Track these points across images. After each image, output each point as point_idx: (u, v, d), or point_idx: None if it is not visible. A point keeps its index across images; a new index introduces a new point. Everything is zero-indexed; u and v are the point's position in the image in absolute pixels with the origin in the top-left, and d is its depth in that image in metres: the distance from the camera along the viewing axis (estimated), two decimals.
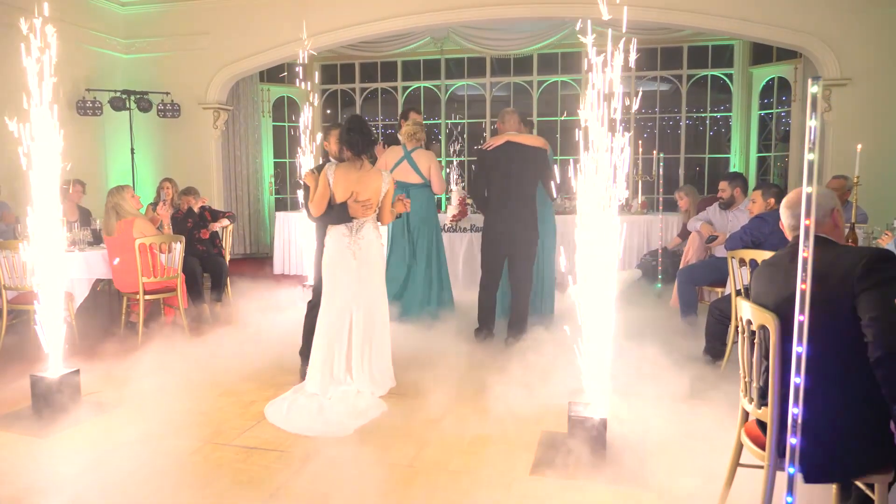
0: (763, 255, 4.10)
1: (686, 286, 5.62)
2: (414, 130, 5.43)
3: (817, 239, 2.40)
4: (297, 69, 7.13)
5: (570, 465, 2.99)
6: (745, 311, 2.32)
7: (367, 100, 10.77)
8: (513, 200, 4.90)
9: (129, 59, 9.03)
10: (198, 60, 8.79)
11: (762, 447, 2.25)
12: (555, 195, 5.17)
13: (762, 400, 2.24)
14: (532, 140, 5.02)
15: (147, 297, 5.37)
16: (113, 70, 8.82)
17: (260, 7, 8.44)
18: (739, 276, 4.27)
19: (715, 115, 9.56)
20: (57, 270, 3.80)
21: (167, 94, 8.58)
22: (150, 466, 3.09)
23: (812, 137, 1.77)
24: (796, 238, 2.43)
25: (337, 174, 3.99)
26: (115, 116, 8.49)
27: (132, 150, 8.49)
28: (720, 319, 4.45)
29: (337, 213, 3.98)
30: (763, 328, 2.20)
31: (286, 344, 5.00)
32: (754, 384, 2.29)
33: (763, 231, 4.21)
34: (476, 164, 5.19)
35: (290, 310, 6.23)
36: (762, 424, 2.31)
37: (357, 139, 3.93)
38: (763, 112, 9.16)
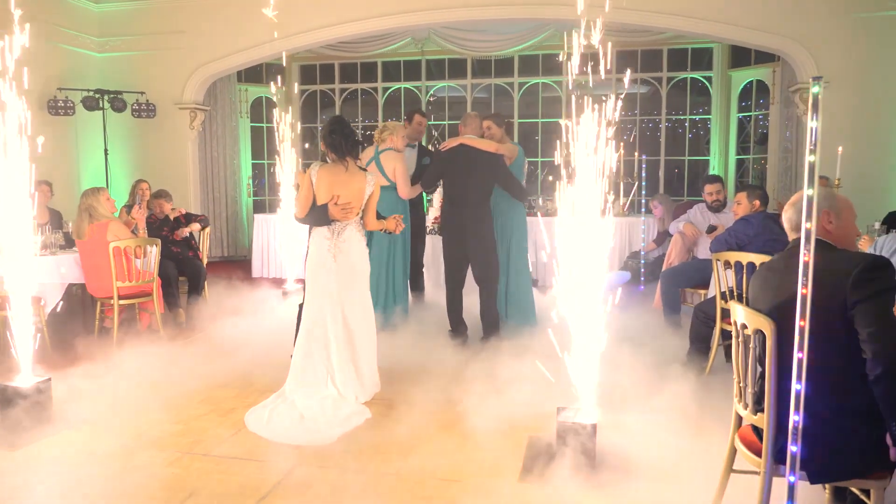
0: (748, 258, 4.10)
1: (669, 288, 5.61)
2: (381, 129, 5.36)
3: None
4: (275, 71, 6.97)
5: (558, 472, 2.93)
6: (739, 315, 2.28)
7: (346, 100, 10.67)
8: (465, 202, 5.00)
9: (103, 58, 8.83)
10: (174, 60, 8.62)
11: (757, 453, 2.22)
12: (521, 199, 5.26)
13: (758, 405, 2.20)
14: (486, 145, 5.02)
15: (121, 301, 5.22)
16: (86, 69, 8.61)
17: (237, 6, 8.30)
18: (724, 279, 4.26)
19: (694, 117, 9.61)
20: (26, 275, 3.66)
21: (142, 93, 8.40)
22: (125, 480, 2.97)
23: (813, 139, 1.74)
24: (795, 240, 2.39)
25: (320, 175, 3.91)
26: (88, 116, 8.28)
27: (105, 150, 8.30)
28: (705, 322, 4.43)
29: (318, 214, 3.91)
30: (758, 332, 2.16)
31: (266, 348, 4.90)
32: (749, 389, 2.25)
33: (748, 233, 4.21)
34: (432, 162, 5.33)
35: (269, 313, 6.13)
36: (757, 430, 2.27)
37: (339, 140, 3.85)
38: (741, 115, 9.23)
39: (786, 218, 2.40)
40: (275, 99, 7.01)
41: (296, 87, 10.34)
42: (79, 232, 5.27)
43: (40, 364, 4.43)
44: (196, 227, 6.49)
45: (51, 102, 7.78)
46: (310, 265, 3.96)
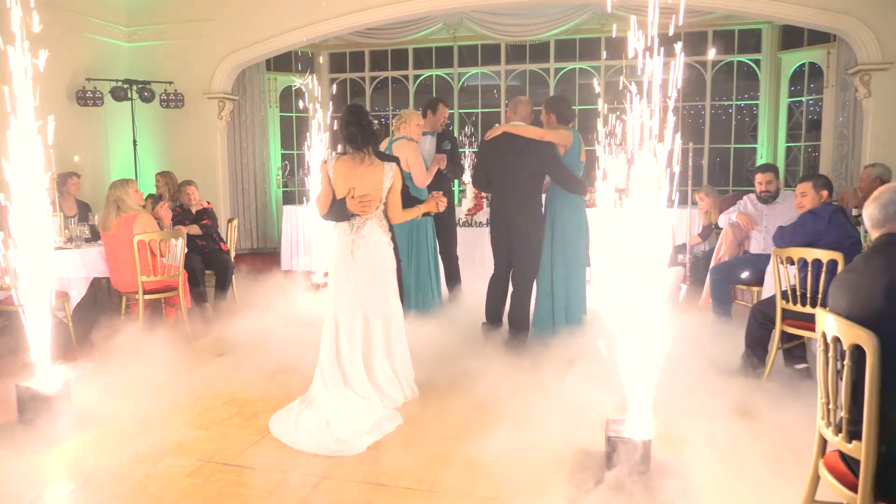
0: (813, 254, 3.75)
1: (720, 284, 5.26)
2: (397, 118, 5.10)
3: (891, 239, 2.07)
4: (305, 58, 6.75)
5: (608, 493, 2.65)
6: (830, 326, 1.97)
7: (377, 89, 10.42)
8: (510, 192, 4.69)
9: (131, 48, 8.72)
10: (202, 49, 8.46)
11: (850, 486, 1.91)
12: (577, 192, 4.79)
13: (852, 433, 1.89)
14: (529, 132, 4.64)
15: (146, 296, 5.07)
16: (114, 59, 8.51)
17: None
18: (786, 277, 3.92)
19: (740, 103, 9.14)
20: (42, 271, 3.49)
21: (170, 83, 8.27)
22: (142, 490, 2.79)
23: None
24: (878, 238, 2.11)
25: (336, 168, 3.68)
26: (117, 107, 8.18)
27: (134, 141, 8.19)
28: (763, 323, 4.09)
29: (336, 209, 3.68)
30: (856, 348, 1.85)
31: (294, 346, 4.68)
32: (841, 413, 1.94)
33: (817, 228, 3.84)
34: (478, 153, 5.00)
35: (298, 308, 5.92)
36: (848, 458, 1.96)
37: (355, 132, 3.61)
38: (791, 100, 8.73)
39: (867, 214, 2.15)
40: (299, 84, 6.76)
41: (324, 75, 10.12)
42: (105, 224, 5.12)
43: (64, 360, 4.31)
44: (195, 229, 6.18)
45: (79, 93, 7.69)
46: (331, 262, 3.76)
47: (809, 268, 3.76)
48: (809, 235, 3.93)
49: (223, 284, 6.07)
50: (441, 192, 3.99)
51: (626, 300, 2.85)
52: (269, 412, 3.59)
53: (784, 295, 3.93)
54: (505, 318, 4.91)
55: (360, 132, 3.60)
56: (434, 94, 10.05)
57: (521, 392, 3.72)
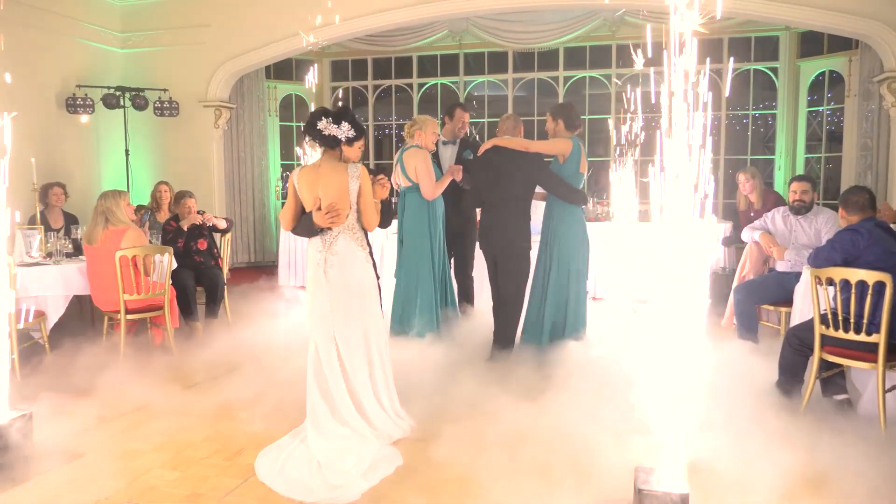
0: (857, 275, 3.38)
1: (745, 305, 4.90)
2: (410, 123, 4.85)
3: None
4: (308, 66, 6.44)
5: None
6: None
7: (380, 98, 10.12)
8: (500, 206, 4.56)
9: (125, 54, 8.43)
10: (198, 55, 8.16)
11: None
12: (572, 201, 4.58)
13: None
14: (516, 143, 4.54)
15: (130, 316, 4.73)
16: (107, 65, 8.21)
17: None
18: (826, 298, 3.55)
19: (755, 112, 8.79)
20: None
21: (165, 90, 7.96)
22: None
23: None
24: None
25: (300, 178, 3.34)
26: (109, 115, 7.87)
27: (127, 151, 7.87)
28: (799, 350, 3.72)
29: (306, 223, 3.33)
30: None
31: (287, 371, 4.32)
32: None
33: (858, 245, 3.48)
34: (471, 169, 4.86)
35: (293, 328, 5.56)
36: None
37: (313, 132, 3.27)
38: (809, 109, 8.38)
39: None
40: (301, 93, 6.46)
41: (325, 84, 9.84)
42: (90, 237, 4.79)
43: (38, 385, 3.98)
44: (223, 224, 5.95)
45: (69, 100, 7.39)
46: (307, 284, 3.41)
47: (853, 290, 3.39)
48: (848, 252, 3.56)
49: (214, 302, 5.72)
50: (382, 176, 3.54)
51: (657, 331, 2.50)
52: (255, 449, 3.23)
53: (823, 319, 3.57)
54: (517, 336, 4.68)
55: (315, 136, 3.26)
56: (439, 103, 9.74)
57: (535, 426, 3.35)
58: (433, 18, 8.13)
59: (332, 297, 3.27)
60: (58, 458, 3.16)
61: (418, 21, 8.13)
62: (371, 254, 3.45)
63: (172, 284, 5.02)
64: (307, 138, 3.36)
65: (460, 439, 3.24)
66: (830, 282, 3.53)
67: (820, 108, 8.32)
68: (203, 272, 5.73)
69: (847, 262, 3.52)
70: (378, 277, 3.53)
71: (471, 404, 3.67)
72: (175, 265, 5.23)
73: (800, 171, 8.38)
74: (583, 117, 9.28)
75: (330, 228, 3.27)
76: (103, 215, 4.76)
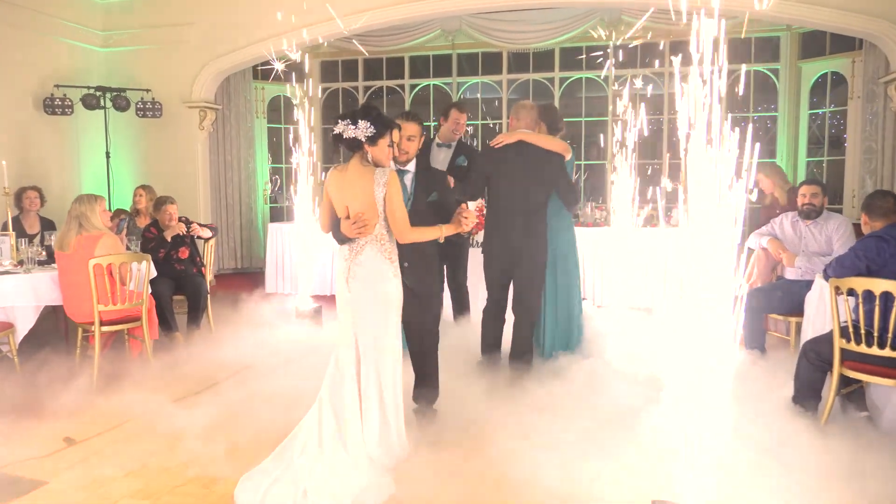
0: (881, 286, 3.16)
1: (753, 314, 4.68)
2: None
3: None
4: (293, 65, 6.18)
5: None
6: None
7: (371, 99, 9.85)
8: (520, 211, 4.13)
9: (106, 53, 8.14)
10: (182, 54, 7.89)
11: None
12: (574, 208, 4.48)
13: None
14: (550, 142, 4.19)
15: (105, 328, 4.46)
16: (87, 65, 7.93)
17: None
18: (847, 310, 3.33)
19: (754, 115, 8.60)
20: None
21: (147, 91, 7.69)
22: None
23: None
24: None
25: (329, 181, 3.15)
26: (89, 116, 7.59)
27: (107, 153, 7.59)
28: (817, 365, 3.50)
29: (335, 230, 3.15)
30: None
31: (273, 386, 4.07)
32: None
33: (884, 254, 3.26)
34: (477, 161, 4.33)
35: (280, 340, 5.30)
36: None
37: (337, 139, 3.05)
38: (811, 111, 8.20)
39: None
40: (289, 94, 6.23)
41: (315, 85, 9.57)
42: (62, 243, 4.51)
43: (1, 406, 3.71)
44: (208, 233, 5.69)
45: (47, 101, 7.10)
46: (335, 293, 3.20)
47: (877, 301, 3.17)
48: (872, 261, 3.35)
49: (196, 311, 5.45)
50: (466, 206, 3.29)
51: (675, 350, 2.27)
52: (235, 474, 2.96)
53: (843, 332, 3.35)
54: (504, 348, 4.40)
55: (340, 142, 3.04)
56: (432, 105, 9.50)
57: (539, 446, 3.11)
58: (425, 17, 7.90)
59: (354, 310, 3.06)
60: (17, 487, 2.89)
61: (410, 20, 7.90)
62: (407, 269, 3.21)
63: (151, 294, 4.75)
64: (340, 147, 3.10)
65: (457, 463, 2.99)
66: (851, 292, 3.32)
67: (821, 111, 8.14)
68: (184, 280, 5.46)
69: (870, 272, 3.31)
70: (435, 293, 3.38)
71: (470, 428, 3.42)
72: (154, 273, 4.97)
73: (801, 174, 8.20)
74: (579, 119, 9.13)
75: (355, 238, 3.07)
76: (77, 220, 4.49)
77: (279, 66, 5.98)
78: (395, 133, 3.14)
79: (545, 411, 3.57)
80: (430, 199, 3.43)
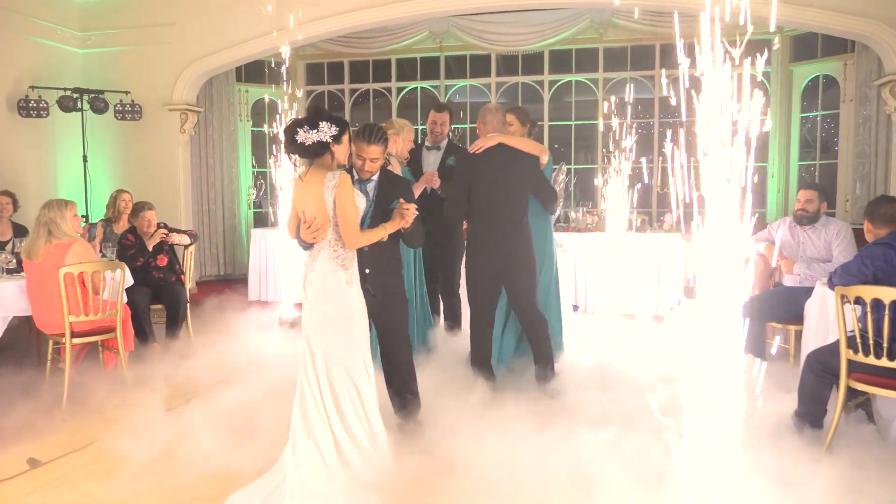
0: (891, 294, 3.03)
1: (753, 323, 4.53)
2: (386, 126, 4.32)
3: None
4: (280, 68, 6.01)
5: None
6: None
7: (357, 102, 9.69)
8: (506, 217, 3.98)
9: (84, 55, 7.90)
10: (163, 55, 7.67)
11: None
12: (553, 209, 4.39)
13: None
14: (528, 145, 4.08)
15: (78, 339, 4.24)
16: (64, 66, 7.68)
17: None
18: (854, 319, 3.20)
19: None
20: None
21: (126, 93, 7.46)
22: None
23: None
24: None
25: (293, 186, 3.05)
26: (66, 119, 7.35)
27: (84, 157, 7.35)
28: (822, 376, 3.35)
29: (298, 236, 3.04)
30: None
31: (254, 401, 3.86)
32: None
33: (891, 261, 3.13)
34: (456, 172, 4.13)
35: (261, 349, 5.10)
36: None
37: (298, 149, 2.89)
38: (803, 115, 8.12)
39: None
40: (273, 97, 6.06)
41: (300, 87, 9.39)
42: (31, 251, 4.29)
43: None
44: (187, 240, 5.49)
45: (21, 103, 6.86)
46: None
47: (886, 310, 3.04)
48: (880, 269, 3.22)
49: (175, 321, 5.23)
50: (409, 203, 3.17)
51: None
52: (212, 500, 2.77)
53: (850, 342, 3.21)
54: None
55: (301, 152, 2.88)
56: (419, 109, 9.34)
57: (545, 467, 2.94)
58: (413, 18, 7.75)
59: (311, 317, 2.92)
60: None
61: (397, 21, 7.75)
62: (357, 274, 3.01)
63: (126, 303, 4.54)
64: (293, 157, 2.93)
65: (441, 483, 2.81)
66: (858, 300, 3.18)
67: (812, 114, 8.07)
68: (163, 289, 5.25)
69: (877, 279, 3.17)
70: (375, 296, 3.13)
71: (454, 441, 3.24)
72: (131, 282, 4.76)
73: (793, 179, 8.12)
74: (569, 123, 9.00)
75: (313, 243, 2.96)
76: (46, 227, 4.27)
77: (271, 62, 5.81)
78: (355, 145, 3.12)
79: (541, 425, 3.39)
80: (391, 207, 3.25)
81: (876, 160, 6.90)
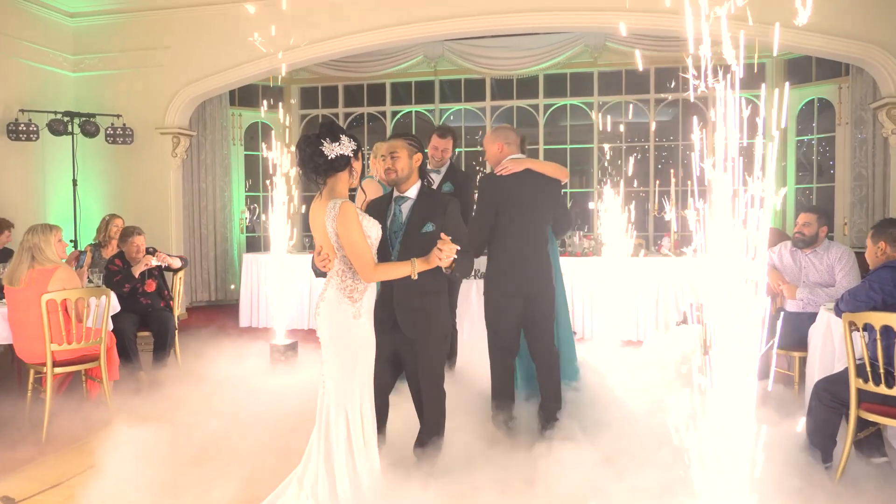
0: None
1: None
2: (377, 147, 4.07)
3: None
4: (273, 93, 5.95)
5: None
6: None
7: (351, 127, 9.64)
8: (531, 244, 3.71)
9: (76, 78, 7.84)
10: (155, 79, 7.62)
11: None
12: (563, 235, 4.34)
13: None
14: (554, 169, 3.85)
15: (59, 369, 4.09)
16: (57, 89, 7.62)
17: (227, 20, 7.30)
18: (863, 347, 3.09)
19: (741, 143, 8.49)
20: None
21: (118, 116, 7.39)
22: None
23: None
24: None
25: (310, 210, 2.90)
26: (56, 143, 7.27)
27: (74, 181, 7.25)
28: (831, 406, 3.24)
29: (311, 262, 2.95)
30: None
31: (257, 430, 3.71)
32: None
33: None
34: (482, 195, 3.81)
35: (257, 379, 4.95)
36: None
37: (322, 163, 2.73)
38: (798, 138, 8.11)
39: None
40: (264, 116, 5.97)
41: (295, 111, 9.35)
42: (12, 277, 4.15)
43: None
44: (177, 263, 5.37)
45: (10, 126, 6.77)
46: None
47: None
48: (888, 293, 3.12)
49: (163, 348, 5.10)
50: (449, 242, 2.70)
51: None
52: None
53: (860, 371, 3.10)
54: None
55: (326, 167, 2.74)
56: (414, 132, 9.27)
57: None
58: (407, 43, 7.73)
59: (321, 342, 2.83)
60: None
61: (391, 45, 7.75)
62: (365, 308, 2.82)
63: (112, 331, 4.40)
64: (315, 178, 2.75)
65: None
66: (866, 327, 3.08)
67: (806, 138, 8.05)
68: (151, 315, 5.12)
69: (886, 305, 3.08)
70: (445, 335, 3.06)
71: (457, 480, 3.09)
72: (118, 308, 4.63)
73: (790, 202, 8.07)
74: (564, 147, 8.97)
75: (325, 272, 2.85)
76: (29, 252, 4.14)
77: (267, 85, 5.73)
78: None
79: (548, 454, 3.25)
80: (423, 231, 2.96)
81: (873, 183, 6.87)
